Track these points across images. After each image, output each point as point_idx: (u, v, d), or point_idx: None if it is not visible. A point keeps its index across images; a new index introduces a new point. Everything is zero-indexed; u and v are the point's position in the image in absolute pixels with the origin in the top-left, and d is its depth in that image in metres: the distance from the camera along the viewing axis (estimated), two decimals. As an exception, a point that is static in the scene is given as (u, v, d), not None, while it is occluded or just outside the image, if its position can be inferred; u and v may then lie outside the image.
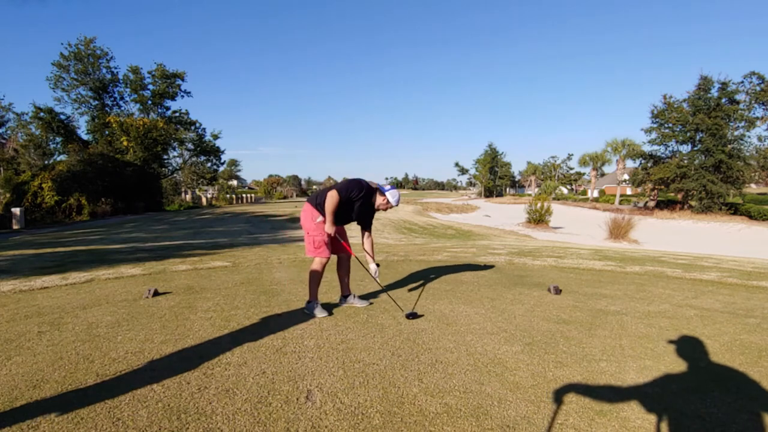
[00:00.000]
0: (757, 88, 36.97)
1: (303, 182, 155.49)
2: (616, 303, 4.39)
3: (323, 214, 3.77)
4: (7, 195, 25.85)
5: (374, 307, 4.09)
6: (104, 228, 16.88)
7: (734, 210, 34.95)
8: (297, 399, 2.28)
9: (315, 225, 3.80)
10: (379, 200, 3.91)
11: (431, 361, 2.80)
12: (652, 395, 2.37)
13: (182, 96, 38.39)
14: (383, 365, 2.72)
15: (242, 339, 3.17)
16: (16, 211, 20.55)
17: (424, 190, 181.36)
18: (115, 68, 35.11)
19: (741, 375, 2.65)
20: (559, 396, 2.34)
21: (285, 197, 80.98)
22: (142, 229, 16.19)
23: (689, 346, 3.13)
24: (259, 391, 2.35)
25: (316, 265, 3.84)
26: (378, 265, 4.22)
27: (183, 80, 37.68)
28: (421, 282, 5.29)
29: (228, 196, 55.07)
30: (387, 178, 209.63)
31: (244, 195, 60.21)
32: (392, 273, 5.92)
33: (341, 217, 3.91)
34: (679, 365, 2.79)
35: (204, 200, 47.76)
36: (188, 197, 46.94)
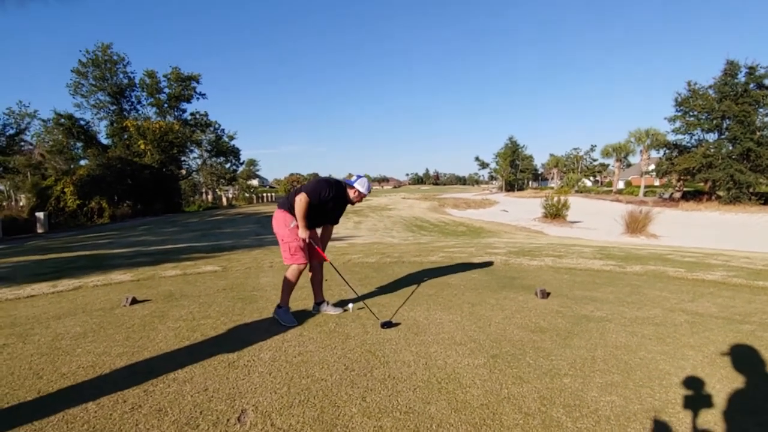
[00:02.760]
0: (788, 72, 35.04)
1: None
2: (603, 308, 4.16)
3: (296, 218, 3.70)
4: (33, 200, 26.79)
5: (347, 314, 3.99)
6: (119, 231, 17.31)
7: (765, 200, 33.34)
8: (228, 420, 2.19)
9: (289, 231, 3.74)
10: (350, 194, 3.88)
11: (383, 377, 2.67)
12: (608, 417, 2.19)
13: (197, 98, 39.05)
14: (331, 381, 2.61)
15: (199, 351, 3.11)
16: (40, 215, 21.28)
17: (445, 185, 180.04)
18: (132, 73, 35.93)
19: (717, 393, 2.43)
20: (505, 417, 2.18)
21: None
22: (153, 231, 16.52)
23: (667, 358, 2.91)
24: (192, 411, 2.27)
25: (291, 272, 3.78)
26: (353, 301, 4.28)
27: (198, 82, 38.32)
28: (406, 286, 5.15)
29: (247, 195, 55.84)
30: (408, 174, 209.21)
31: (264, 194, 60.90)
32: (380, 276, 5.80)
33: (315, 219, 3.87)
34: (649, 381, 2.58)
35: (224, 200, 48.64)
36: (209, 197, 47.88)
